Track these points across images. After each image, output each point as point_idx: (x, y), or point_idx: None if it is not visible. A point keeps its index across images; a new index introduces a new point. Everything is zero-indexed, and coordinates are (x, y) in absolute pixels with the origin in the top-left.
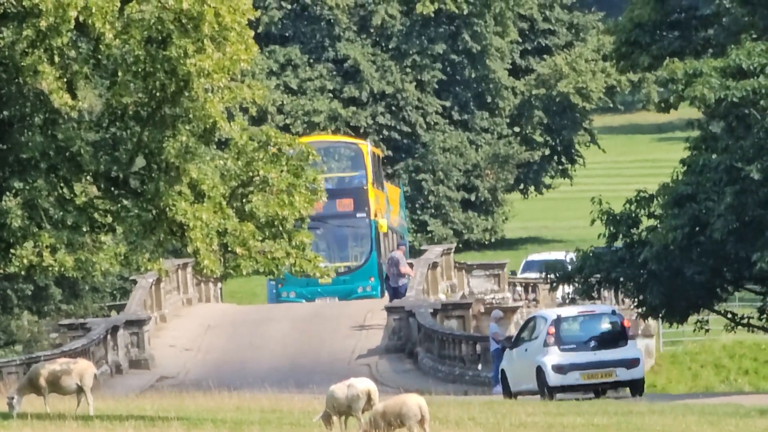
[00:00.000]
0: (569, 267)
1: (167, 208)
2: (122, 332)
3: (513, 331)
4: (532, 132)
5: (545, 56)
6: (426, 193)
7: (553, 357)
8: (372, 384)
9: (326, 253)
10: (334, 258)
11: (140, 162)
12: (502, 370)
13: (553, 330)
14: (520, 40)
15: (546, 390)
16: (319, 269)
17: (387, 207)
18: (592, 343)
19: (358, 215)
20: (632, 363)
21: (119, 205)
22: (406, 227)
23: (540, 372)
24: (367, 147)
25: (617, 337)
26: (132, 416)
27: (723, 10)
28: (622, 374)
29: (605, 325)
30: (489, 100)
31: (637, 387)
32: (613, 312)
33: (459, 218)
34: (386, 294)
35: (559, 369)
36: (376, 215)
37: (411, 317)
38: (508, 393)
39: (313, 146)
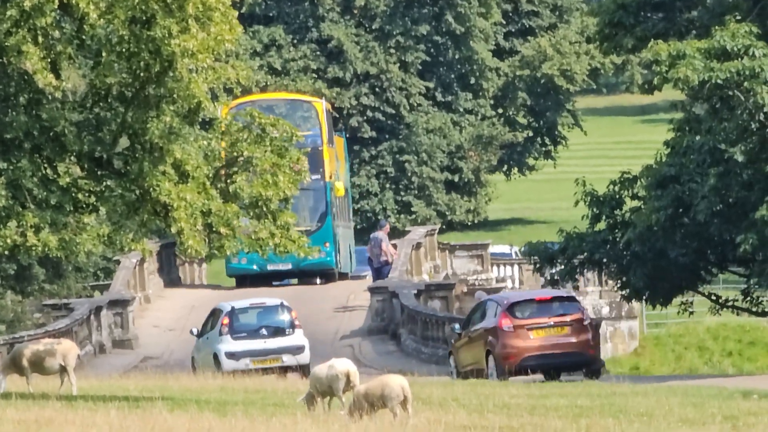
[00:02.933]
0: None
1: (151, 189)
2: (106, 312)
3: None
4: (515, 113)
5: (529, 38)
6: (409, 174)
7: (227, 345)
8: (352, 365)
9: None
10: None
11: (124, 142)
12: (193, 357)
13: (227, 321)
14: (504, 22)
15: (222, 375)
16: (304, 249)
17: (337, 163)
18: (263, 332)
19: (313, 177)
20: (298, 350)
21: (103, 186)
22: (350, 180)
23: (216, 358)
24: (321, 105)
25: (285, 326)
26: (115, 396)
27: None
28: (289, 360)
29: (275, 316)
30: (472, 81)
31: (305, 370)
32: (282, 304)
33: (442, 199)
34: (339, 262)
35: (232, 355)
36: (331, 177)
37: (394, 298)
38: None
39: (266, 104)
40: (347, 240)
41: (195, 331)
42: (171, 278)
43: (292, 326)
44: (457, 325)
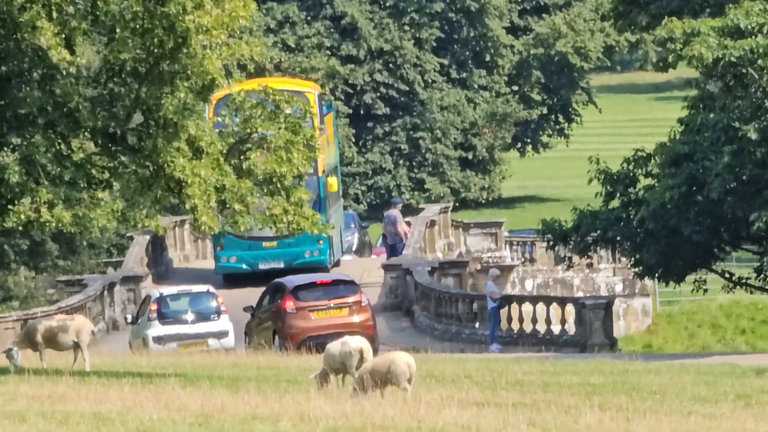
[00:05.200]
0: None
1: (165, 165)
2: (119, 288)
3: (509, 289)
4: (530, 91)
5: (543, 15)
6: (424, 151)
7: (154, 330)
8: (365, 342)
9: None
10: None
11: (138, 118)
12: (129, 343)
13: (155, 307)
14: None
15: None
16: (317, 227)
17: (327, 146)
18: (189, 318)
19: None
20: (222, 334)
21: (117, 162)
22: (338, 155)
23: (145, 342)
24: (314, 95)
25: (211, 312)
26: (128, 373)
27: None
28: (214, 344)
29: (201, 303)
30: (487, 58)
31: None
32: (208, 291)
33: (456, 177)
34: (332, 256)
35: (159, 340)
36: (324, 171)
37: (408, 275)
38: None
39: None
40: (338, 223)
41: (129, 318)
42: (184, 254)
43: (218, 312)
44: (251, 307)
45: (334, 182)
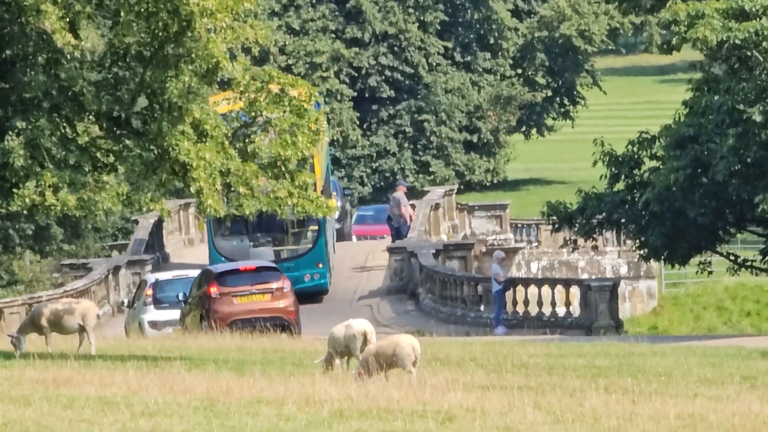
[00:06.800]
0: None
1: (170, 148)
2: (124, 272)
3: (515, 272)
4: (534, 74)
5: None
6: (428, 134)
7: (150, 314)
8: (369, 325)
9: (266, 237)
10: (277, 242)
11: (142, 102)
12: (126, 326)
13: (150, 292)
14: None
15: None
16: (322, 210)
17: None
18: (184, 303)
19: None
20: None
21: (121, 145)
22: (329, 156)
23: (141, 327)
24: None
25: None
26: (134, 356)
27: None
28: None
29: None
30: (492, 41)
31: None
32: None
33: (461, 159)
34: (330, 276)
35: (154, 324)
36: (323, 191)
37: (413, 258)
38: None
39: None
40: (331, 238)
41: (126, 302)
42: (189, 238)
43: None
44: (185, 294)
45: (332, 204)
